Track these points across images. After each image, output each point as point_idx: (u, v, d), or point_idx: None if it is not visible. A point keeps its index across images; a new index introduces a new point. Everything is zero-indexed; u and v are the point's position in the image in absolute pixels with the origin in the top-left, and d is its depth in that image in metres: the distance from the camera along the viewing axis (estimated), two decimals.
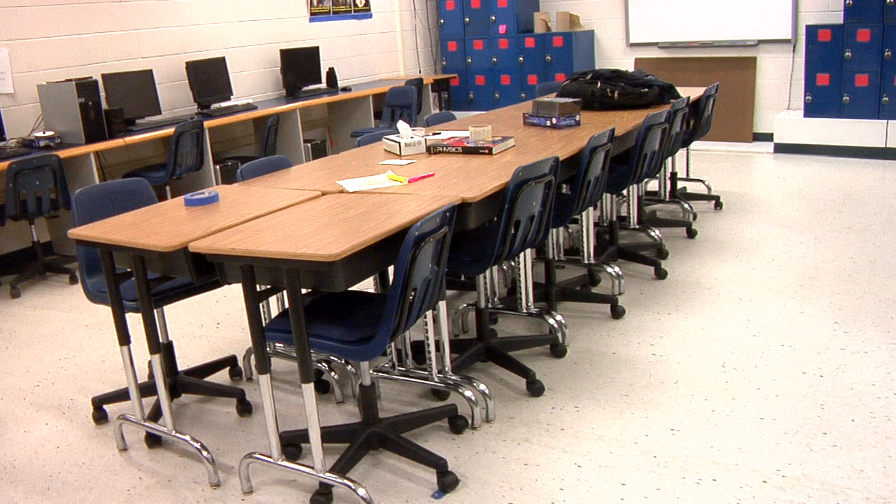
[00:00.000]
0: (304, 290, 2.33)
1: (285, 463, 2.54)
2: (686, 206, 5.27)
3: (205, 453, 2.68)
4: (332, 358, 3.29)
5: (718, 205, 5.54)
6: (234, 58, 6.85)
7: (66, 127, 5.23)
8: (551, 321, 3.44)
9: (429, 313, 2.92)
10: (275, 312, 3.97)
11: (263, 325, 2.43)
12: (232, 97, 6.58)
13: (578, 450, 2.66)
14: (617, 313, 3.75)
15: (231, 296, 4.50)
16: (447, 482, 2.49)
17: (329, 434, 2.71)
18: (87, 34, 5.75)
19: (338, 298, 2.67)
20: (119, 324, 2.73)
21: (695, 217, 5.29)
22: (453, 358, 3.14)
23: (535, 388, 3.07)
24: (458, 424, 2.83)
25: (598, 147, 3.41)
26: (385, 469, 2.64)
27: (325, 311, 2.56)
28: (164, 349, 3.02)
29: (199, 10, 6.53)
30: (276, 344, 3.46)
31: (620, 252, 4.40)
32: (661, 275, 4.24)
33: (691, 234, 4.92)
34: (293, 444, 2.77)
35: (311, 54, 7.30)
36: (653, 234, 4.60)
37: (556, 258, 4.28)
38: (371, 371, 3.11)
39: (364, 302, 2.63)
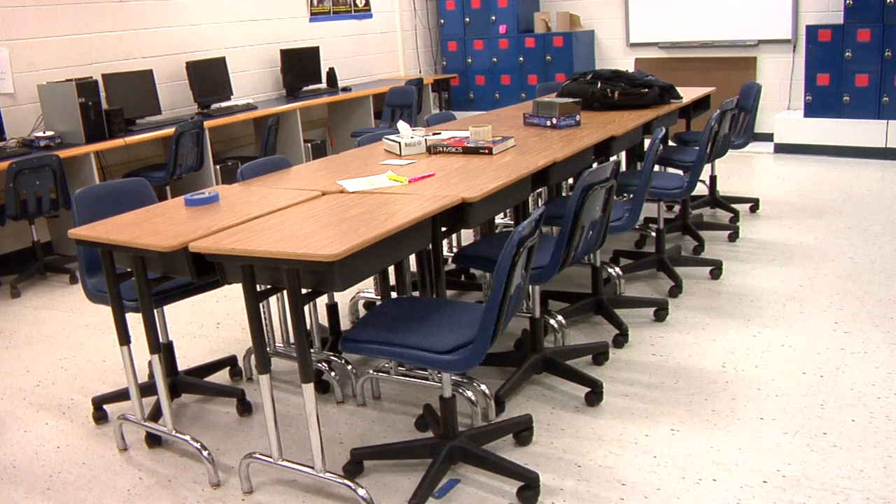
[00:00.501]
0: (304, 290, 2.33)
1: (285, 463, 2.54)
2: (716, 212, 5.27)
3: (205, 453, 2.68)
4: (332, 358, 3.29)
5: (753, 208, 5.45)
6: (234, 58, 6.85)
7: (67, 127, 5.23)
8: (552, 322, 3.44)
9: None
10: (275, 313, 3.98)
11: (263, 325, 2.42)
12: (232, 97, 6.59)
13: (578, 450, 2.66)
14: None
15: (231, 296, 4.50)
16: (527, 496, 2.39)
17: (407, 450, 2.62)
18: (87, 34, 5.75)
19: (402, 305, 2.56)
20: (119, 324, 2.73)
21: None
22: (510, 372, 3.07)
23: (593, 399, 2.96)
24: (524, 437, 2.74)
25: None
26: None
27: (395, 319, 2.44)
28: (164, 349, 3.02)
29: (199, 10, 6.53)
30: (277, 344, 3.46)
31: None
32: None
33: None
34: (357, 462, 2.64)
35: (312, 54, 7.30)
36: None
37: None
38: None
39: (432, 308, 2.51)
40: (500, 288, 2.13)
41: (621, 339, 3.44)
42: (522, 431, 2.74)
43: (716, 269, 4.17)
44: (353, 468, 2.62)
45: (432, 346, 2.25)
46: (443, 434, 2.56)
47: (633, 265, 4.12)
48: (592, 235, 2.90)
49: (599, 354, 3.29)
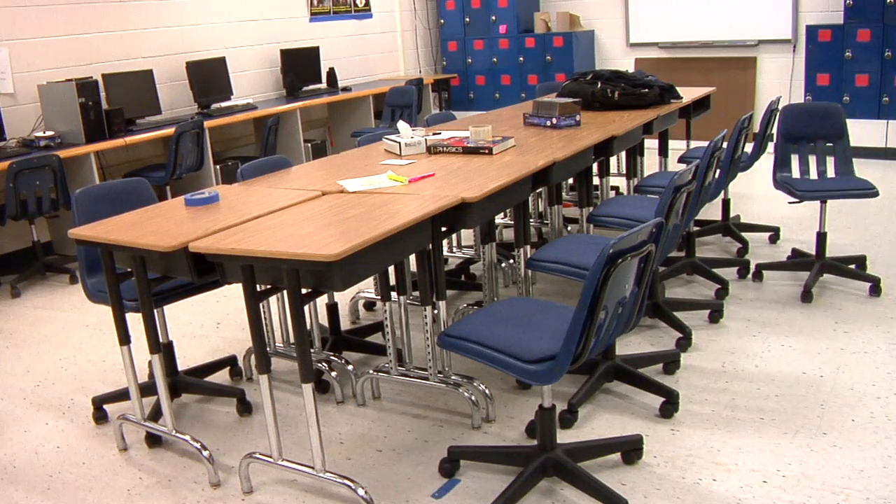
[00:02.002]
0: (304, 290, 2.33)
1: (285, 463, 2.54)
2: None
3: (205, 453, 2.68)
4: (332, 358, 3.29)
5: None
6: (234, 58, 6.85)
7: (67, 127, 5.23)
8: None
9: (428, 313, 2.92)
10: (275, 313, 3.98)
11: (263, 325, 2.42)
12: (232, 97, 6.59)
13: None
14: None
15: (231, 296, 4.50)
16: None
17: (502, 455, 2.58)
18: (87, 34, 5.75)
19: (514, 306, 2.49)
20: (119, 324, 2.73)
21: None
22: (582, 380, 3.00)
23: (667, 411, 2.87)
24: (632, 456, 2.61)
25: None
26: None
27: (499, 320, 2.37)
28: (164, 349, 3.02)
29: (199, 10, 6.53)
30: (277, 344, 3.46)
31: None
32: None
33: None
34: (453, 460, 2.61)
35: (312, 54, 7.30)
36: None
37: None
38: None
39: (546, 312, 2.43)
40: (585, 303, 1.98)
41: (684, 343, 3.37)
42: (630, 451, 2.60)
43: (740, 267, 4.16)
44: (450, 466, 2.58)
45: (519, 354, 2.16)
46: (540, 445, 2.47)
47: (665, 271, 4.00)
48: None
49: (671, 363, 3.19)
